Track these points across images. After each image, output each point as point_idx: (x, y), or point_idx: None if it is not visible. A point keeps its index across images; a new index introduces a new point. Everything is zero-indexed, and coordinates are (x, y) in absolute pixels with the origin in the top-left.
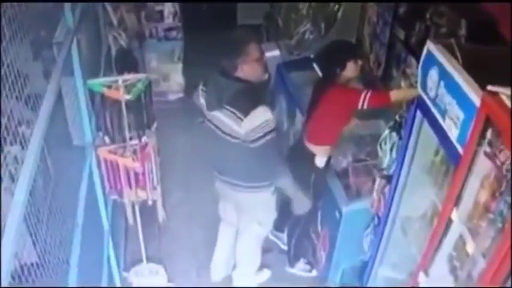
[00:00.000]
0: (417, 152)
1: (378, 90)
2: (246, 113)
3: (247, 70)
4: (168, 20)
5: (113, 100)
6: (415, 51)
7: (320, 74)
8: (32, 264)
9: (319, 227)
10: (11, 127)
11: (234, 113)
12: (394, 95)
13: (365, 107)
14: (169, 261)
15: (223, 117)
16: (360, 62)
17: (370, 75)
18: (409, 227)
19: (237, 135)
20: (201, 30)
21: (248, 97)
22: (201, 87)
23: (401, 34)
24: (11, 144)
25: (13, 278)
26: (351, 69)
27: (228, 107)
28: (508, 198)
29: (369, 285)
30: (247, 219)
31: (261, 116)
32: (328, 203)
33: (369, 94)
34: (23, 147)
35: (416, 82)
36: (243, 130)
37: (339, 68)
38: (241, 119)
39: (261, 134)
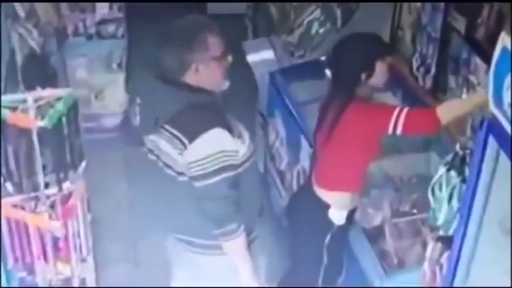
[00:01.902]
0: (491, 200)
1: (421, 107)
2: (193, 136)
3: (202, 73)
4: (103, 10)
5: (19, 128)
6: (483, 49)
7: (334, 84)
8: None
9: None
10: None
11: (175, 137)
12: (446, 111)
13: (398, 131)
14: None
15: (161, 143)
16: (391, 61)
17: (411, 84)
18: None
19: (180, 168)
20: (153, 23)
21: (198, 113)
22: (137, 100)
23: (461, 24)
24: None
25: None
26: (380, 74)
27: (168, 128)
28: None
29: None
30: None
31: (214, 143)
32: (353, 280)
33: (404, 112)
34: None
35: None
36: (185, 160)
37: (365, 72)
38: (185, 145)
39: (215, 169)
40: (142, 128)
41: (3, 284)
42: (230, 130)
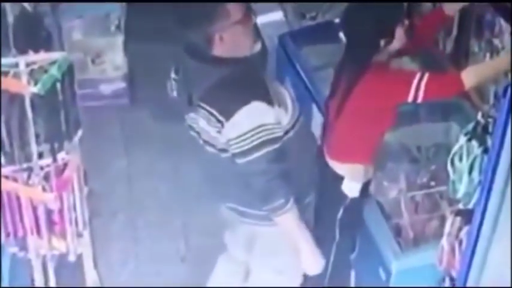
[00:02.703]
0: None
1: (441, 71)
2: (229, 114)
3: (228, 40)
4: None
5: (11, 95)
6: (508, 10)
7: (349, 50)
8: None
9: None
10: None
11: (211, 114)
12: (471, 75)
13: (420, 99)
14: None
15: (200, 121)
16: (410, 24)
17: (431, 49)
18: None
19: (221, 145)
20: None
21: (231, 88)
22: (172, 75)
23: None
24: None
25: None
26: (399, 38)
27: (203, 105)
28: None
29: None
30: (260, 264)
31: (254, 117)
32: (367, 257)
33: (425, 78)
34: None
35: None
36: (224, 138)
37: (384, 37)
38: (222, 123)
39: (255, 144)
40: (180, 104)
41: (4, 284)
42: (269, 100)
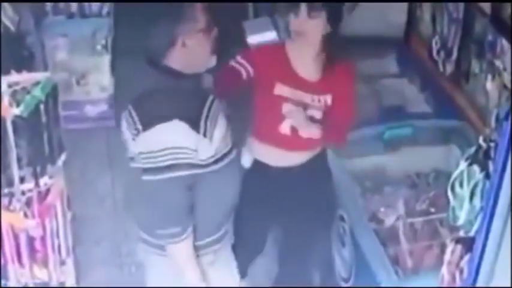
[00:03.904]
0: None
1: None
2: (148, 124)
3: (189, 47)
4: None
5: None
6: (510, 31)
7: None
8: None
9: None
10: None
11: (132, 119)
12: None
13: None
14: None
15: (123, 124)
16: None
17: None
18: None
19: (132, 154)
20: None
21: (161, 100)
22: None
23: (486, 3)
24: None
25: None
26: None
27: (129, 108)
28: None
29: None
30: None
31: (171, 136)
32: (363, 284)
33: None
34: None
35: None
36: (136, 148)
37: None
38: (138, 131)
39: (165, 165)
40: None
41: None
42: (195, 125)
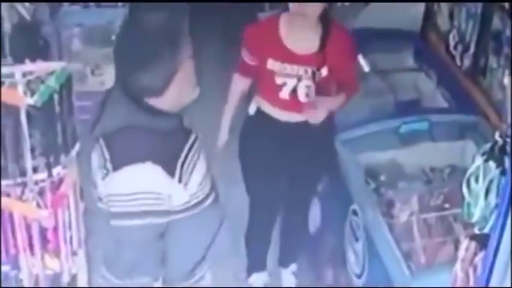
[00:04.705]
0: None
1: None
2: (118, 164)
3: (178, 81)
4: None
5: (6, 106)
6: None
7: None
8: None
9: None
10: None
11: (103, 156)
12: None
13: None
14: None
15: (93, 156)
16: None
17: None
18: None
19: (101, 194)
20: None
21: (136, 139)
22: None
23: None
24: None
25: None
26: None
27: (101, 142)
28: None
29: None
30: None
31: (143, 180)
32: (375, 282)
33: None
34: None
35: None
36: (105, 189)
37: None
38: (108, 171)
39: (134, 211)
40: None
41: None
42: (170, 170)
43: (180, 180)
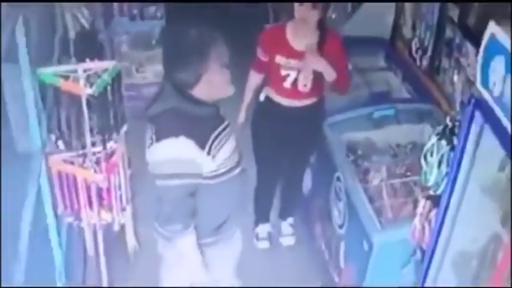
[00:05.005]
0: (475, 166)
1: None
2: (160, 136)
3: (214, 82)
4: None
5: (71, 95)
6: (474, 36)
7: None
8: None
9: (342, 262)
10: None
11: (151, 129)
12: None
13: None
14: None
15: (147, 130)
16: None
17: (409, 65)
18: (464, 265)
19: (147, 159)
20: (188, 6)
21: (176, 119)
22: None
23: (455, 13)
24: None
25: None
26: None
27: (150, 118)
28: None
29: None
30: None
31: (176, 150)
32: (354, 232)
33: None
34: None
35: (474, 75)
36: (149, 155)
37: None
38: (152, 141)
39: (170, 172)
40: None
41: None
42: (201, 144)
43: (208, 153)
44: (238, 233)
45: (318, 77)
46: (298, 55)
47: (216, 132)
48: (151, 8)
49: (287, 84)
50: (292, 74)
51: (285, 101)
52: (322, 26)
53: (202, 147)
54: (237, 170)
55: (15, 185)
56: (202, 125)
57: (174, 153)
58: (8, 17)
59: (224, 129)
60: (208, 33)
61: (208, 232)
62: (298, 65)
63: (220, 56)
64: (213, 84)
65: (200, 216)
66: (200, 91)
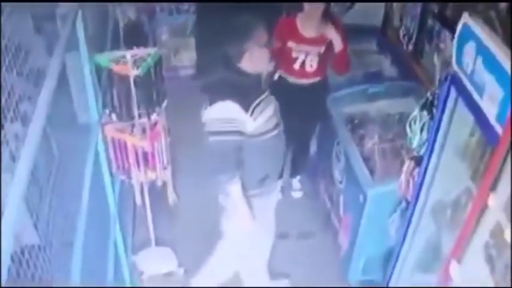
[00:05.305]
0: (450, 132)
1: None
2: (212, 101)
3: (254, 58)
4: None
5: (121, 76)
6: (450, 25)
7: None
8: (33, 246)
9: (342, 212)
10: (11, 103)
11: (206, 95)
12: None
13: None
14: (179, 245)
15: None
16: None
17: (398, 49)
18: (440, 213)
19: (203, 120)
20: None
21: (224, 87)
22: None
23: (435, 6)
24: (12, 121)
25: (13, 259)
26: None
27: (206, 87)
28: None
29: (394, 278)
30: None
31: (225, 111)
32: (351, 186)
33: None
34: (23, 125)
35: (451, 57)
36: (204, 116)
37: None
38: (206, 105)
39: (221, 130)
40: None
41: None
42: (245, 107)
43: (251, 116)
44: (278, 186)
45: (321, 59)
46: (307, 41)
47: (258, 100)
48: (185, 5)
49: (296, 65)
50: (301, 57)
51: (295, 80)
52: (326, 15)
53: (246, 110)
54: (275, 132)
55: (78, 150)
56: (246, 92)
57: (224, 114)
58: (69, 11)
59: (265, 97)
60: (253, 19)
61: (253, 185)
62: (307, 49)
63: (259, 38)
64: (254, 59)
65: (246, 169)
66: (245, 65)
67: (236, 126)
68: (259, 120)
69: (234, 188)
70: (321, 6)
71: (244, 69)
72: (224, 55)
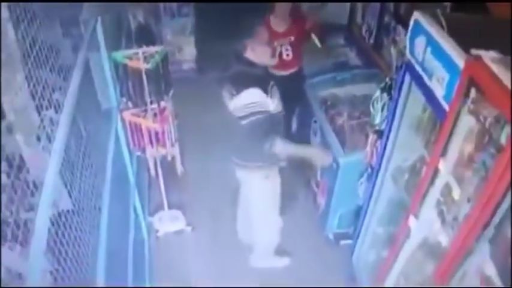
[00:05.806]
0: (406, 109)
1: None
2: (238, 90)
3: (257, 51)
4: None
5: (134, 69)
6: (404, 21)
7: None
8: (68, 211)
9: (319, 177)
10: (46, 94)
11: (230, 86)
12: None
13: None
14: (187, 208)
15: (224, 88)
16: None
17: (361, 42)
18: (399, 176)
19: (231, 109)
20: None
21: (245, 77)
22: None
23: (391, 5)
24: (47, 108)
25: (52, 222)
26: None
27: (227, 80)
28: (491, 150)
29: (363, 230)
30: (245, 198)
31: (251, 96)
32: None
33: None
34: (56, 111)
35: (405, 48)
36: (232, 106)
37: None
38: (233, 95)
39: (250, 112)
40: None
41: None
42: (265, 90)
43: (270, 97)
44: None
45: (294, 47)
46: (280, 35)
47: (271, 84)
48: (185, 9)
49: (276, 58)
50: (278, 49)
51: (277, 72)
52: (293, 13)
53: (266, 92)
54: (283, 112)
55: (101, 131)
56: (261, 79)
57: (250, 99)
58: (90, 19)
59: (273, 83)
60: (251, 23)
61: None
62: (281, 41)
63: (258, 36)
64: (256, 52)
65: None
66: (250, 55)
67: (262, 107)
68: (274, 100)
69: (280, 145)
70: (287, 6)
71: (252, 60)
72: (232, 51)
